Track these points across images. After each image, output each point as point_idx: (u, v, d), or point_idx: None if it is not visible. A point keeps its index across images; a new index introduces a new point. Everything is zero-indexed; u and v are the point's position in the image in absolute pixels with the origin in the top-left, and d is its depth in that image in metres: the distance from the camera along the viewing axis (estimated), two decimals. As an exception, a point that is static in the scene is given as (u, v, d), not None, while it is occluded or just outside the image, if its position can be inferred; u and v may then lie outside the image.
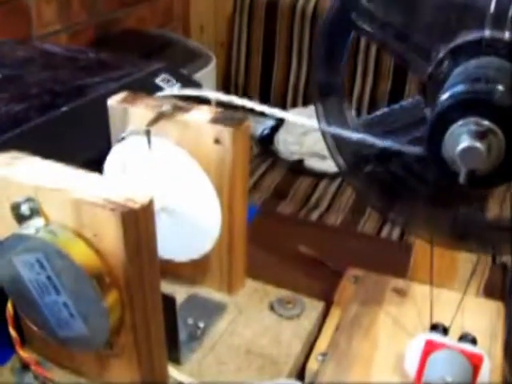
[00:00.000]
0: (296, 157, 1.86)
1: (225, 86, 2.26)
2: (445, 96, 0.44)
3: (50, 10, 1.68)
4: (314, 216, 1.65)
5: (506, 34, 0.47)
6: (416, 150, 0.50)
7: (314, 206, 1.71)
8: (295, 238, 0.85)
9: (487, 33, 0.47)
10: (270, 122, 1.95)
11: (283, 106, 2.13)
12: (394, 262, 0.74)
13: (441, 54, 0.49)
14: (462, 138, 0.42)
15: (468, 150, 0.42)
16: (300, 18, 2.05)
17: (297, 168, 1.85)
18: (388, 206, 0.65)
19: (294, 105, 2.11)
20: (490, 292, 0.72)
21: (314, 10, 2.02)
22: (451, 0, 0.50)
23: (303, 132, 1.82)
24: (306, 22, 2.05)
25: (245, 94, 2.20)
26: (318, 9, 2.01)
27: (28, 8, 1.59)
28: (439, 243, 0.63)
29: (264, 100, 2.16)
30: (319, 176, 1.80)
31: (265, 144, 1.95)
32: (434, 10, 0.51)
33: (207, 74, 1.90)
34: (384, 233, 1.55)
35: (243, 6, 2.14)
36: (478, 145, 0.42)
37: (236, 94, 2.20)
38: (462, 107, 0.42)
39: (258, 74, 2.18)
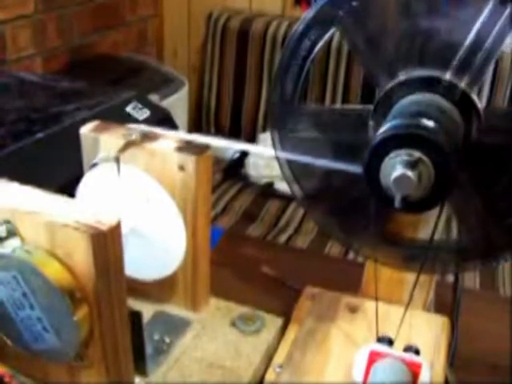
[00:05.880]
0: (266, 180, 1.89)
1: (197, 109, 2.30)
2: (381, 130, 0.49)
3: (24, 35, 1.71)
4: (283, 238, 1.68)
5: (447, 76, 0.53)
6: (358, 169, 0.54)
7: (283, 229, 1.74)
8: (259, 259, 0.89)
9: (425, 72, 0.53)
10: (241, 146, 1.98)
11: (254, 130, 2.18)
12: (352, 281, 0.78)
13: (388, 86, 0.54)
14: (395, 168, 0.48)
15: (401, 178, 0.47)
16: (271, 44, 2.11)
17: (266, 191, 1.88)
18: (348, 237, 0.69)
19: (265, 128, 2.15)
20: (440, 308, 0.77)
21: (284, 36, 2.07)
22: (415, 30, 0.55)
23: (273, 155, 1.85)
24: (276, 48, 2.10)
25: (216, 118, 2.24)
26: (288, 36, 2.05)
27: (2, 32, 1.62)
28: (387, 263, 0.68)
29: (235, 123, 2.21)
30: (288, 199, 1.82)
31: (235, 167, 1.98)
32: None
33: (180, 98, 1.95)
34: (350, 255, 1.58)
35: (215, 32, 2.19)
36: (410, 173, 0.47)
37: (208, 117, 2.25)
38: (396, 140, 0.48)
39: (229, 99, 2.22)
